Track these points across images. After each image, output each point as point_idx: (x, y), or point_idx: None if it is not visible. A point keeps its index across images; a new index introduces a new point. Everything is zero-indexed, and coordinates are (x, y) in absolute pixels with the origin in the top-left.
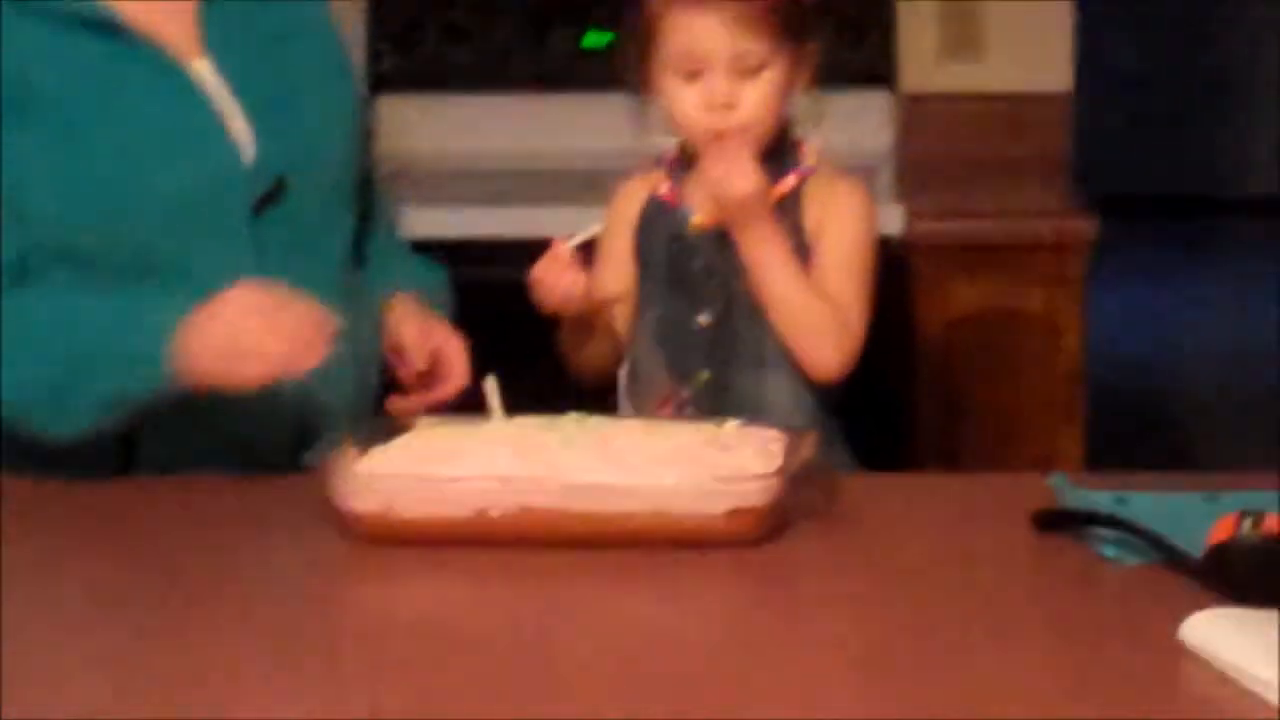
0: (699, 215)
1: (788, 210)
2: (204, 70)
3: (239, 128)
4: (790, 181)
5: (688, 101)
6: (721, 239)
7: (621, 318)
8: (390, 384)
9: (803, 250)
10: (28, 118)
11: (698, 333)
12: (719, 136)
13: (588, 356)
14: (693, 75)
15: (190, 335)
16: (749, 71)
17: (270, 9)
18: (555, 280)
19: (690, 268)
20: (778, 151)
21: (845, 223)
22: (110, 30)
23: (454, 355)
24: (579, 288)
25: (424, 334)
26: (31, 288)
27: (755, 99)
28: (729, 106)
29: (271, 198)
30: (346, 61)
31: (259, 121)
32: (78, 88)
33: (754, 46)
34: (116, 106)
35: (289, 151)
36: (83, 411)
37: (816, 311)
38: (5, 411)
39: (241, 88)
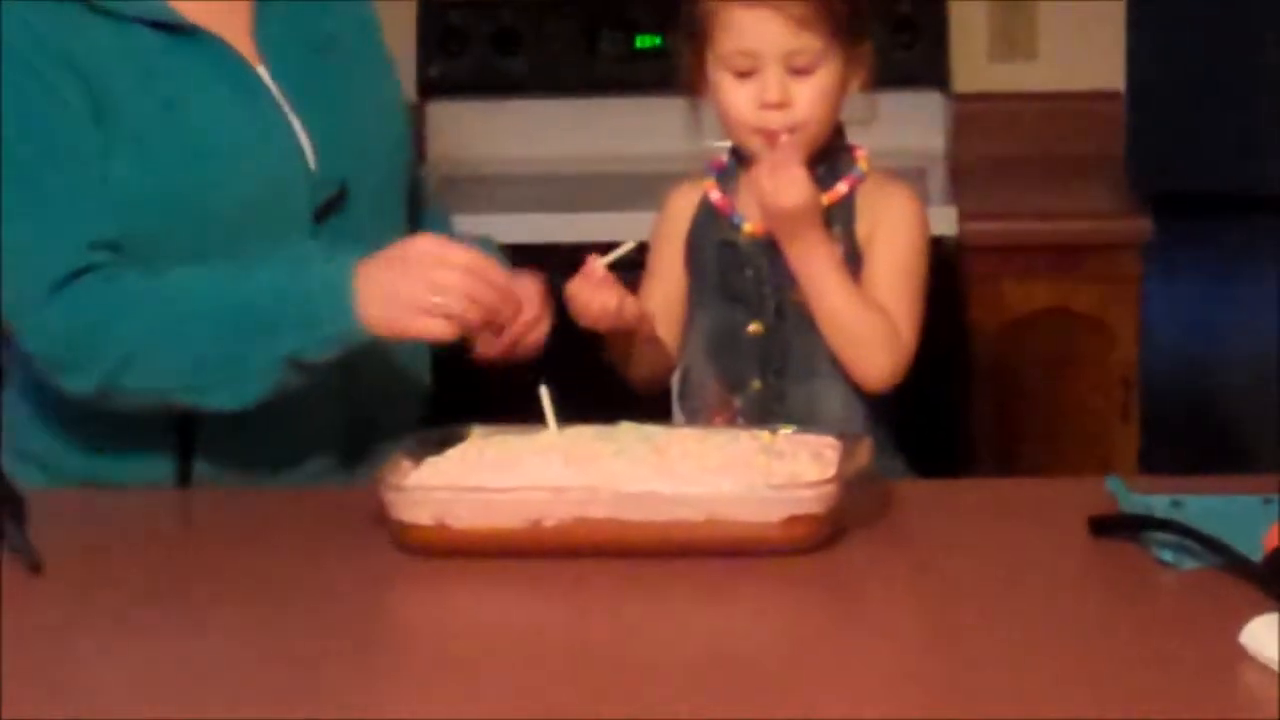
0: (750, 223)
1: (840, 217)
2: (264, 76)
3: (300, 135)
4: (842, 189)
5: (739, 99)
6: (772, 247)
7: (667, 328)
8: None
9: (855, 257)
10: (102, 115)
11: (749, 342)
12: (770, 136)
13: (635, 367)
14: (745, 73)
15: (370, 286)
16: (802, 70)
17: (317, 15)
18: (589, 298)
19: (741, 276)
20: (831, 156)
21: (898, 230)
22: (181, 32)
23: (529, 290)
24: (613, 304)
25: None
26: (164, 265)
27: (808, 98)
28: (781, 105)
29: (332, 206)
30: (393, 67)
31: (319, 130)
32: (151, 87)
33: (807, 44)
34: (188, 106)
35: (350, 160)
36: (259, 377)
37: (867, 323)
38: (174, 391)
39: (299, 96)
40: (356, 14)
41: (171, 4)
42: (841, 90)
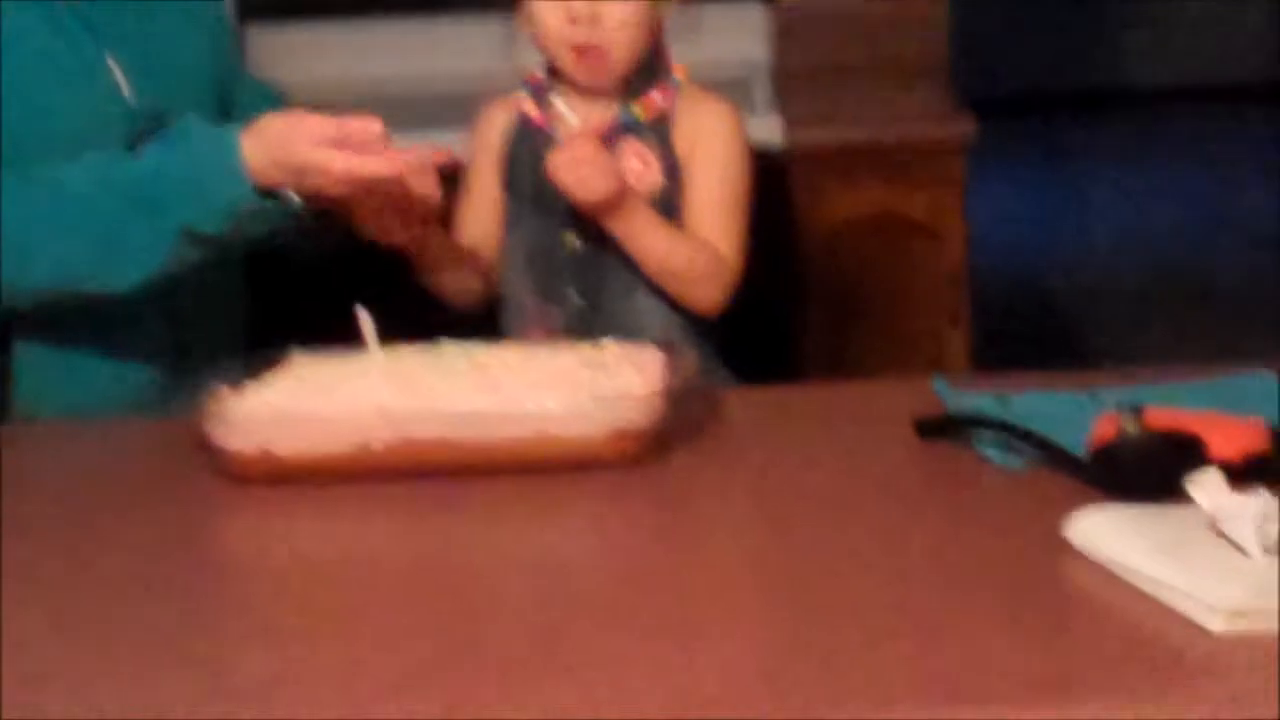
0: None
1: (657, 129)
2: (71, 10)
3: (114, 67)
4: (657, 99)
5: (552, 16)
6: None
7: (484, 244)
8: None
9: (673, 170)
10: None
11: (566, 257)
12: (581, 52)
13: (444, 286)
14: None
15: (258, 142)
16: None
17: None
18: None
19: (557, 190)
20: (648, 69)
21: (715, 150)
22: None
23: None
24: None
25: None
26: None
27: (619, 15)
28: (592, 21)
29: (146, 138)
30: None
31: (132, 63)
32: None
33: None
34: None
35: (164, 92)
36: (154, 253)
37: (692, 262)
38: (68, 278)
39: (107, 28)
40: None
41: None
42: (655, 6)
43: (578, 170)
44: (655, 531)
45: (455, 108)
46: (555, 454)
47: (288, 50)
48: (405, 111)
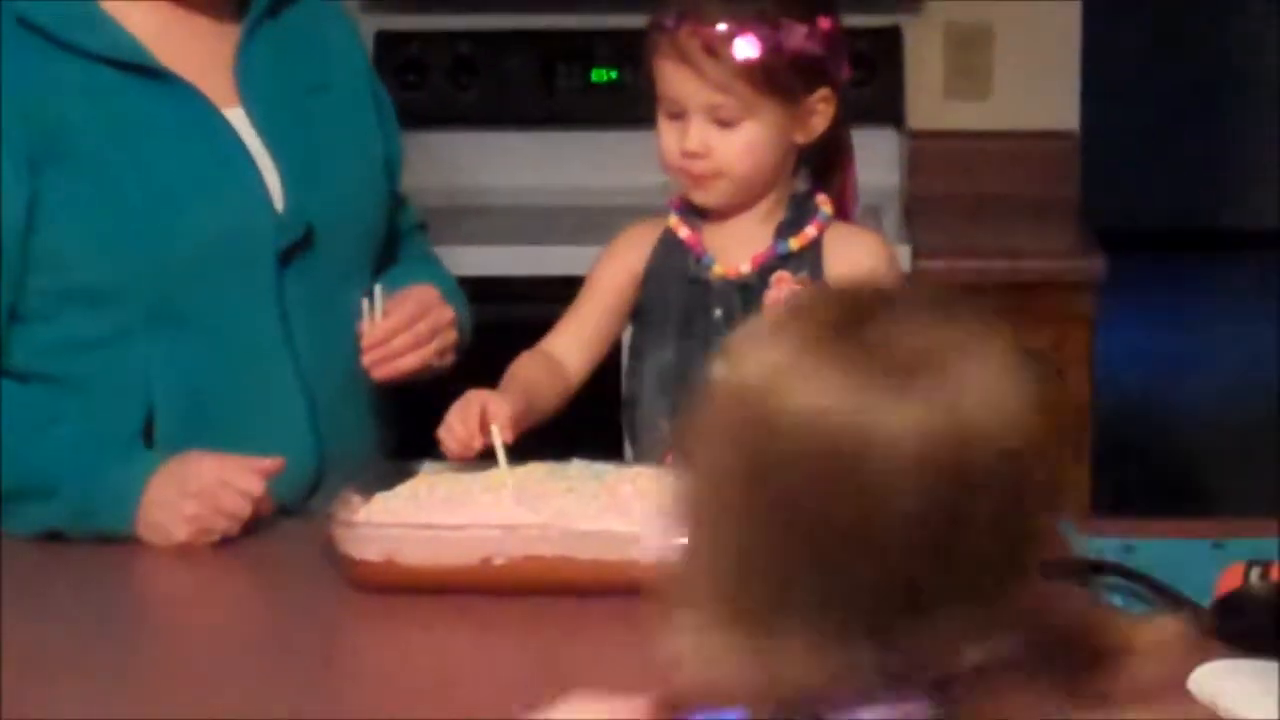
0: (720, 264)
1: (809, 261)
2: (238, 118)
3: (271, 177)
4: (811, 233)
5: (669, 141)
6: (743, 289)
7: (578, 364)
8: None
9: None
10: (62, 156)
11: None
12: (692, 179)
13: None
14: (676, 116)
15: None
16: (725, 122)
17: (308, 60)
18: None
19: (707, 314)
20: (796, 201)
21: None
22: (148, 74)
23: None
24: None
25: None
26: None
27: (730, 149)
28: (701, 154)
29: (298, 249)
30: (386, 110)
31: (290, 172)
32: (113, 128)
33: (728, 100)
34: (150, 148)
35: (319, 204)
36: (30, 521)
37: None
38: None
39: (274, 138)
40: (352, 63)
41: (145, 42)
42: (778, 140)
43: None
44: None
45: (594, 221)
46: None
47: (426, 158)
48: (542, 224)
